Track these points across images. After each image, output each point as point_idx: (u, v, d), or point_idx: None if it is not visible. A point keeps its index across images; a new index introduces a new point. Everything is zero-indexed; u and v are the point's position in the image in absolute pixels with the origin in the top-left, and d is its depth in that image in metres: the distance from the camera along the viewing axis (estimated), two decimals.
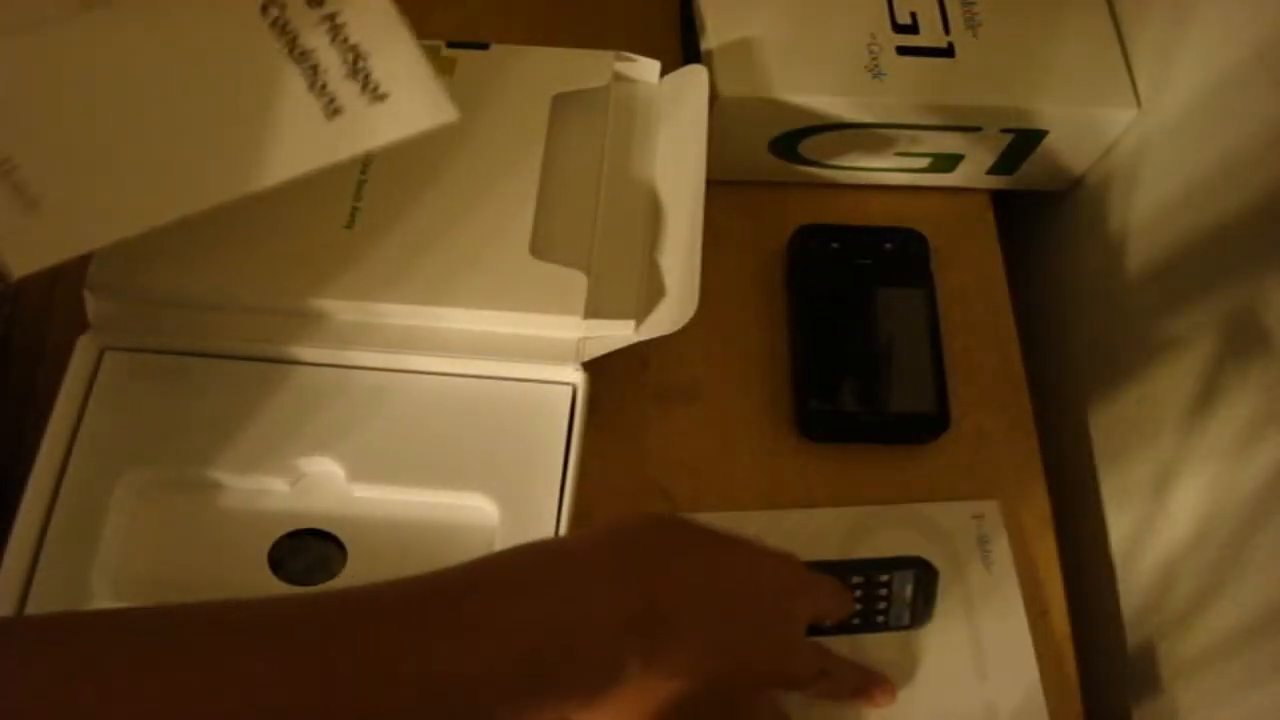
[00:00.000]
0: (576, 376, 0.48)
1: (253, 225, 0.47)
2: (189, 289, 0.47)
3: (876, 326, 0.58)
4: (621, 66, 0.54)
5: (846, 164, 0.61)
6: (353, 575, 0.45)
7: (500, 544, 0.45)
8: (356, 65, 0.42)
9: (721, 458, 0.56)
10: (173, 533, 0.45)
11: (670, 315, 0.48)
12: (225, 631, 0.32)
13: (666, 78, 0.55)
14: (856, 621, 0.52)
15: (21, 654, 0.30)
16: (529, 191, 0.49)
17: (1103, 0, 0.59)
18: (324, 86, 0.41)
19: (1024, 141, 0.59)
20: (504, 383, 0.48)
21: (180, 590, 0.44)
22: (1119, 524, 0.58)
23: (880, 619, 0.52)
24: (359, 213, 0.48)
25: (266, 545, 0.45)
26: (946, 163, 0.61)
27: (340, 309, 0.47)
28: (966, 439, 0.58)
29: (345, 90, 0.42)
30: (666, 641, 0.38)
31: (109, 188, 0.40)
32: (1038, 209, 0.66)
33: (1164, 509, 0.54)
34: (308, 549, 0.46)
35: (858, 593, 0.52)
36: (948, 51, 0.57)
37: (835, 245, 0.59)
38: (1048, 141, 0.59)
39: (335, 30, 0.42)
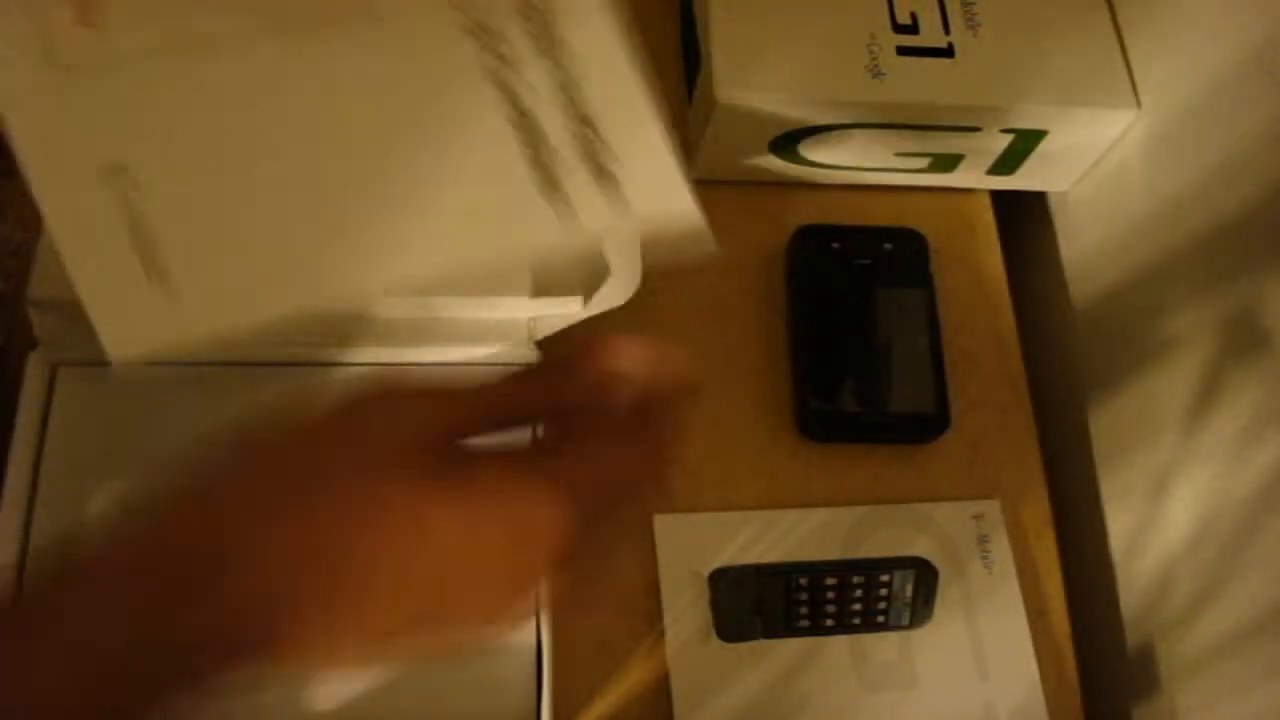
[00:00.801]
0: (534, 354, 0.49)
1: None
2: None
3: (876, 327, 0.58)
4: None
5: (846, 164, 0.61)
6: None
7: None
8: (586, 138, 0.34)
9: (721, 457, 0.56)
10: None
11: (617, 289, 0.48)
12: None
13: None
14: (856, 621, 0.52)
15: None
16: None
17: (1103, 0, 0.59)
18: (542, 159, 0.34)
19: (1024, 141, 0.59)
20: (464, 369, 0.48)
21: None
22: (1118, 524, 0.58)
23: (880, 619, 0.52)
24: None
25: None
26: (946, 163, 0.61)
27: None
28: (966, 439, 0.58)
29: (568, 167, 0.34)
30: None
31: (259, 262, 0.32)
32: (1038, 209, 0.66)
33: (1163, 509, 0.54)
34: None
35: (858, 593, 0.52)
36: (948, 51, 0.57)
37: (835, 245, 0.59)
38: (1048, 141, 0.59)
39: (565, 88, 0.34)
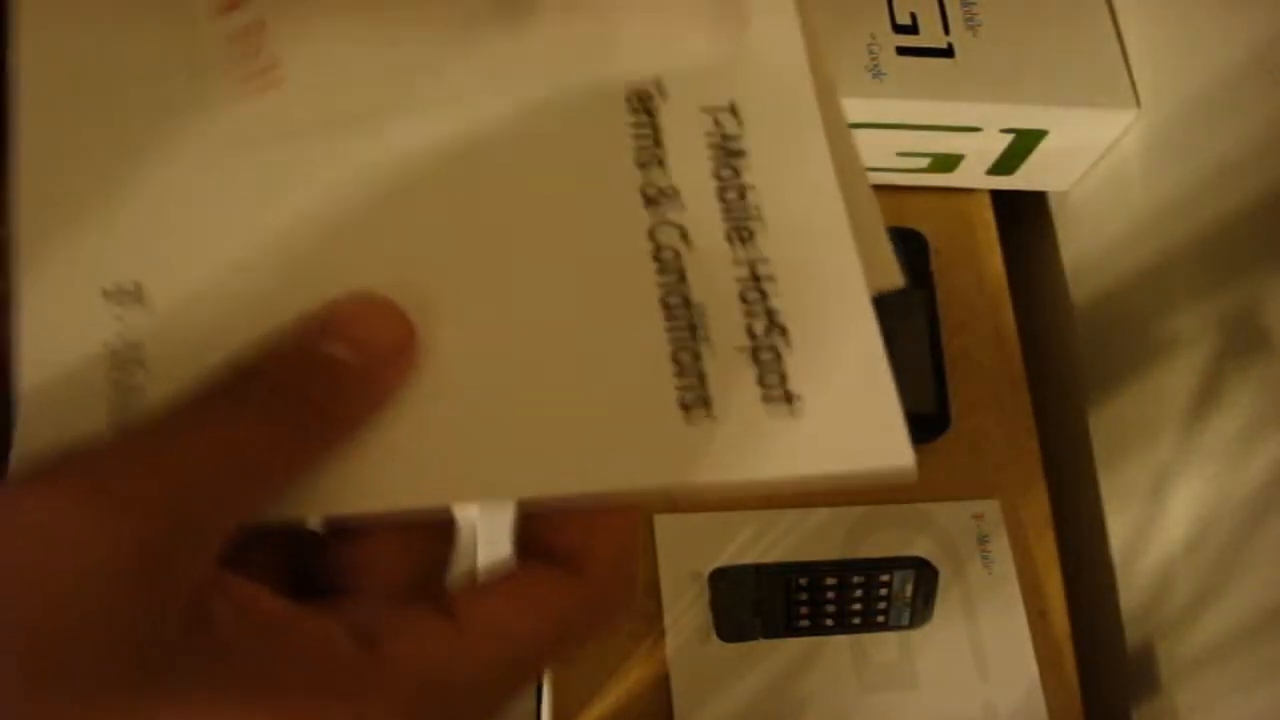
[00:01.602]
0: None
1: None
2: None
3: None
4: None
5: None
6: None
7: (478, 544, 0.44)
8: (769, 344, 0.24)
9: None
10: None
11: None
12: None
13: None
14: (856, 621, 0.52)
15: None
16: None
17: (1103, 0, 0.59)
18: (700, 369, 0.23)
19: (1024, 141, 0.59)
20: None
21: None
22: (1118, 524, 0.58)
23: (880, 619, 0.52)
24: None
25: None
26: (946, 163, 0.61)
27: None
28: (966, 439, 0.58)
29: (733, 382, 0.23)
30: None
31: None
32: (1038, 209, 0.66)
33: (1163, 509, 0.54)
34: None
35: (858, 592, 0.52)
36: (948, 52, 0.57)
37: None
38: (1048, 141, 0.59)
39: (754, 282, 0.24)
